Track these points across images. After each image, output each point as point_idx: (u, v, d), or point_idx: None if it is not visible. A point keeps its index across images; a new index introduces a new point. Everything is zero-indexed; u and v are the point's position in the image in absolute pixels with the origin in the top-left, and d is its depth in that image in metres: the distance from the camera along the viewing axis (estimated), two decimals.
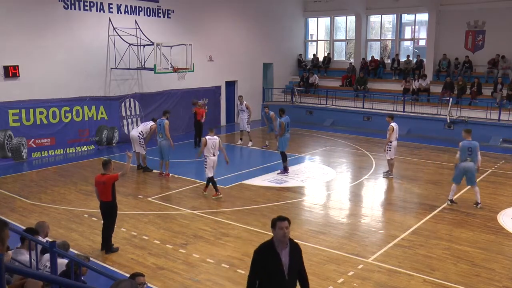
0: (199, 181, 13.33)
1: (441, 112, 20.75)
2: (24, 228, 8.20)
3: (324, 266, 8.30)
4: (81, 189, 12.75)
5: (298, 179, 13.92)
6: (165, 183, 13.51)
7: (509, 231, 10.00)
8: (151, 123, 14.64)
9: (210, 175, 11.86)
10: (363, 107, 23.12)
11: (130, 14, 18.71)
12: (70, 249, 7.03)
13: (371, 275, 7.99)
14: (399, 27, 25.37)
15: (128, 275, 6.62)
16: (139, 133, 14.40)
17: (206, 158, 11.87)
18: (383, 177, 14.07)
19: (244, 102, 18.71)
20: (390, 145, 13.91)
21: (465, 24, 22.59)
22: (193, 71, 18.28)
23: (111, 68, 18.19)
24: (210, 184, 11.95)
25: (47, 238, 6.97)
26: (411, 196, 12.50)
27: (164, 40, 18.06)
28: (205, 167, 11.94)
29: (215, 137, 12.00)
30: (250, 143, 18.56)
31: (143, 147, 14.39)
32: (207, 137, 11.93)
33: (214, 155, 11.88)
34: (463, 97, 21.02)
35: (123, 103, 18.75)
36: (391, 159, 14.05)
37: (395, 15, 25.43)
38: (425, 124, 21.02)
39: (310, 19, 28.39)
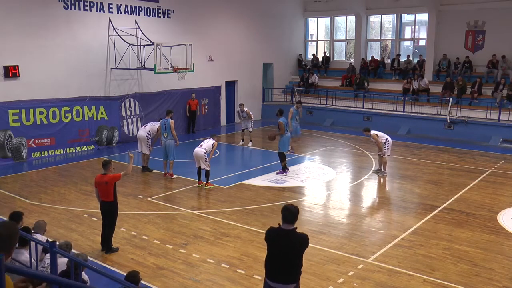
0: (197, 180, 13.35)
1: (441, 112, 20.74)
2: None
3: (324, 266, 8.30)
4: (81, 189, 12.75)
5: (298, 179, 13.91)
6: (165, 183, 13.51)
7: (509, 231, 10.00)
8: (158, 124, 14.63)
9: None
10: (363, 107, 23.12)
11: (130, 14, 18.71)
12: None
13: (371, 275, 7.99)
14: (399, 27, 25.36)
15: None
16: (147, 133, 14.38)
17: (207, 155, 12.78)
18: (376, 174, 14.20)
19: (245, 109, 18.68)
20: (388, 144, 14.03)
21: (465, 24, 22.58)
22: (193, 71, 18.27)
23: (111, 68, 18.19)
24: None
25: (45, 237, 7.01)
26: (411, 196, 12.50)
27: (164, 40, 18.05)
28: (208, 162, 12.84)
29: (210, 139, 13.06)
30: (250, 143, 18.58)
31: (149, 147, 14.39)
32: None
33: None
34: (463, 97, 21.02)
35: (123, 103, 18.75)
36: (387, 156, 14.20)
37: (395, 15, 25.42)
38: (425, 124, 21.03)
39: (310, 19, 28.39)
